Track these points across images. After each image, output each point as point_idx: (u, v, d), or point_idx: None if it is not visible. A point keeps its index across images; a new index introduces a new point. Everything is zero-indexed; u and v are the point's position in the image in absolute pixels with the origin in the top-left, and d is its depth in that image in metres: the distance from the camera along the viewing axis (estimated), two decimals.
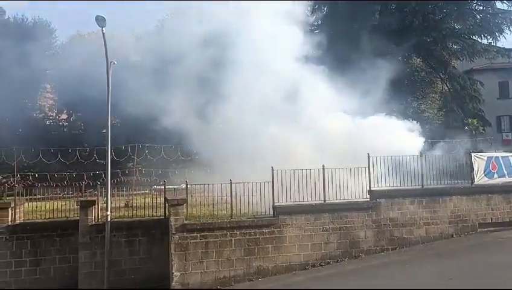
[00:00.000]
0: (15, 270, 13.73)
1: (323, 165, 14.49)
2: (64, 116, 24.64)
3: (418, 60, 32.07)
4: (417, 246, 14.77)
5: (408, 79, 32.46)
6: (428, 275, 12.17)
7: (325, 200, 14.34)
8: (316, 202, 14.23)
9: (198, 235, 13.05)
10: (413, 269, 12.76)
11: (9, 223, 13.95)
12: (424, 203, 15.33)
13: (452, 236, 15.50)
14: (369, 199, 14.82)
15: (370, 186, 15.06)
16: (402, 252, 14.39)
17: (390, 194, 15.05)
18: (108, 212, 13.89)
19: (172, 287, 12.60)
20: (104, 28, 14.00)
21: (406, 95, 32.73)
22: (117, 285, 13.49)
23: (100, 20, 13.85)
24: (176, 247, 12.84)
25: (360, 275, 12.66)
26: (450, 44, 29.50)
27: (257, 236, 13.42)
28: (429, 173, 15.86)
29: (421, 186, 15.79)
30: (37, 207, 14.82)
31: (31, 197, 15.63)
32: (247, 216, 13.59)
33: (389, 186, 15.28)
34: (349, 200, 14.61)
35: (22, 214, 14.74)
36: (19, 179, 15.25)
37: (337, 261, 13.85)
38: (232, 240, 13.25)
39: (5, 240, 13.78)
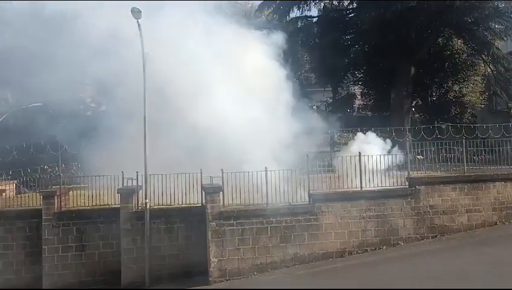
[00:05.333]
0: (62, 255, 14.38)
1: (359, 153, 14.34)
2: (103, 107, 25.41)
3: (459, 41, 30.76)
4: (458, 234, 14.35)
5: (448, 62, 31.32)
6: (471, 264, 11.83)
7: (361, 187, 14.15)
8: (352, 189, 14.07)
9: (235, 222, 13.22)
10: (455, 258, 12.41)
11: (56, 211, 14.58)
12: (466, 189, 14.82)
13: (496, 224, 14.95)
14: (407, 186, 14.49)
15: (409, 173, 14.73)
16: (443, 240, 14.02)
17: (430, 181, 14.65)
18: (147, 200, 14.27)
19: (210, 273, 12.88)
20: (139, 20, 14.23)
21: (447, 78, 31.63)
22: (157, 270, 13.89)
23: (136, 12, 14.09)
24: (212, 234, 13.07)
25: (399, 263, 12.46)
26: (493, 24, 28.02)
27: (293, 223, 13.44)
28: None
29: (462, 173, 15.29)
30: (80, 195, 15.40)
31: (75, 185, 16.27)
32: (283, 204, 13.60)
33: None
34: (387, 187, 14.36)
35: (67, 202, 15.40)
36: (64, 168, 15.91)
37: (375, 249, 13.68)
38: (268, 227, 13.34)
39: (52, 227, 14.44)
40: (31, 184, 16.87)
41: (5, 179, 18.76)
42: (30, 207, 15.32)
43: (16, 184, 18.68)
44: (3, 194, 16.48)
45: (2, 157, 20.99)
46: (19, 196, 17.18)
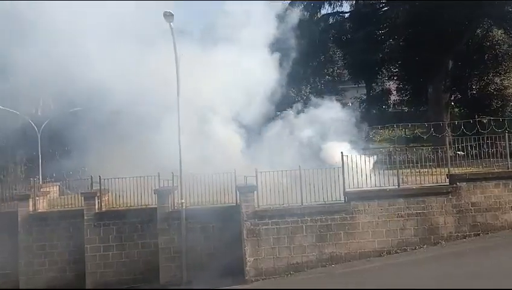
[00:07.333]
0: (103, 254, 14.87)
1: (396, 148, 14.00)
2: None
3: (500, 32, 29.48)
4: (503, 232, 13.72)
5: (488, 54, 30.10)
6: None
7: (399, 185, 13.82)
8: (389, 187, 13.76)
9: (270, 221, 13.21)
10: (499, 256, 11.92)
11: (97, 211, 15.10)
12: (510, 186, 14.14)
13: None
14: (448, 183, 14.01)
15: (449, 170, 14.24)
16: (486, 239, 13.45)
17: (472, 177, 14.09)
18: (183, 200, 14.49)
19: (246, 272, 12.95)
20: (171, 23, 14.48)
21: (487, 71, 30.42)
22: (194, 269, 14.07)
23: (168, 16, 14.35)
24: (248, 233, 13.12)
25: (440, 262, 12.06)
26: None
27: (329, 222, 13.29)
28: None
29: (506, 168, 14.63)
30: (119, 195, 15.79)
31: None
32: (318, 202, 13.47)
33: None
34: (426, 185, 13.95)
35: (107, 203, 15.87)
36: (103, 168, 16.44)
37: (415, 249, 13.30)
38: (303, 226, 13.25)
39: (94, 227, 14.95)
40: (74, 186, 17.52)
41: (49, 181, 19.62)
42: (73, 208, 15.91)
43: (59, 186, 19.49)
44: (48, 195, 17.19)
45: (46, 160, 22.01)
46: (62, 197, 17.90)
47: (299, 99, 26.29)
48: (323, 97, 23.60)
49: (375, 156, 15.65)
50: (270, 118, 20.28)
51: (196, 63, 16.51)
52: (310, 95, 27.06)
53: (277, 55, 20.47)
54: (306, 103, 22.37)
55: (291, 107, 21.84)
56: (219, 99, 18.82)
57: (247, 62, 19.00)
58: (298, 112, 20.77)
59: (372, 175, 14.05)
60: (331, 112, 19.41)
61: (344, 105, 27.05)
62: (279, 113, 21.10)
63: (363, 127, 21.60)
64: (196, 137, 16.99)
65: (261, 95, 19.25)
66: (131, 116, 17.89)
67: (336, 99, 28.78)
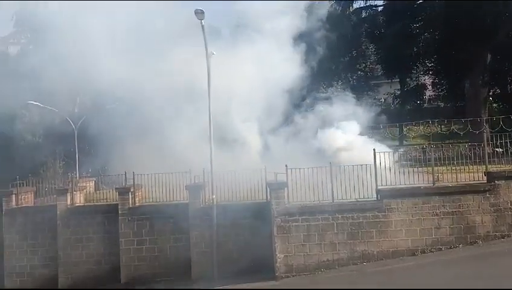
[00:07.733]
0: (137, 248, 15.25)
1: (431, 145, 13.62)
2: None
3: None
4: None
5: None
6: None
7: (434, 183, 13.44)
8: (424, 185, 13.41)
9: (300, 218, 13.17)
10: None
11: (131, 206, 15.48)
12: None
13: None
14: (486, 181, 13.50)
15: (487, 167, 13.72)
16: None
17: (511, 175, 13.51)
18: (214, 196, 14.63)
19: (276, 269, 12.95)
20: (202, 21, 14.59)
21: None
22: (225, 264, 14.18)
23: (199, 14, 14.46)
24: (278, 230, 13.12)
25: (477, 263, 11.69)
26: None
27: (360, 220, 13.10)
28: None
29: None
30: (152, 191, 16.10)
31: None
32: (349, 200, 13.29)
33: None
34: (463, 183, 13.50)
35: (140, 198, 16.24)
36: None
37: (450, 248, 12.94)
38: (334, 223, 13.13)
39: (128, 221, 15.35)
40: (108, 181, 18.05)
41: (85, 177, 20.30)
42: (108, 203, 16.39)
43: (95, 181, 20.13)
44: (84, 190, 17.77)
45: (83, 156, 22.77)
46: (98, 192, 18.47)
47: (328, 95, 25.90)
48: (352, 93, 23.12)
49: (396, 153, 15.28)
50: (293, 115, 20.10)
51: (220, 60, 16.53)
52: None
53: (307, 50, 20.23)
54: (326, 100, 21.92)
55: (313, 104, 21.54)
56: (242, 96, 18.82)
57: (273, 58, 18.89)
58: (317, 109, 20.51)
59: (405, 173, 13.71)
60: (348, 107, 19.09)
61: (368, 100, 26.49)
62: (310, 108, 20.81)
63: (380, 123, 20.90)
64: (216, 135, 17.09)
65: (286, 92, 19.10)
66: (159, 114, 18.25)
67: (368, 95, 28.30)
